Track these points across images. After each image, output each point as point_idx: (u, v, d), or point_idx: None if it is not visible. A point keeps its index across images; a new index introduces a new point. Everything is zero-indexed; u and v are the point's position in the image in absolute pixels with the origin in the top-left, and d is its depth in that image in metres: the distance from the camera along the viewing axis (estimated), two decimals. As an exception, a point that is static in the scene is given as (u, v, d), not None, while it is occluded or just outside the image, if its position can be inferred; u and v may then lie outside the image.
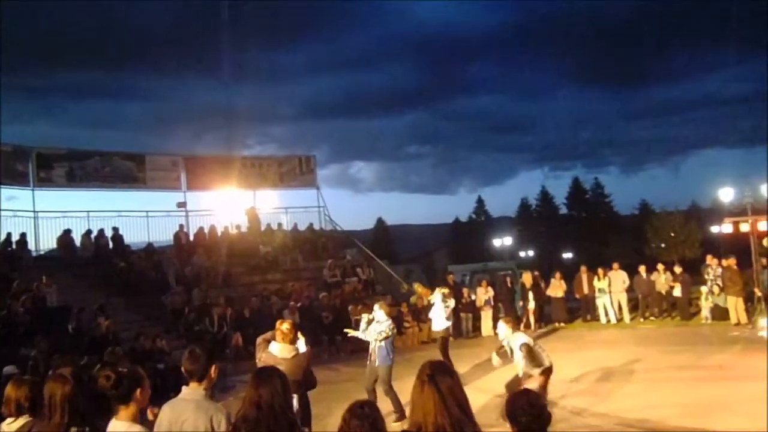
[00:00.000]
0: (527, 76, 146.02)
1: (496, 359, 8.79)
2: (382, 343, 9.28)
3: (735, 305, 16.02)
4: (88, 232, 19.58)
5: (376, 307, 9.82)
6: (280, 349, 6.59)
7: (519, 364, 8.26)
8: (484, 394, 9.52)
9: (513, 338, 8.51)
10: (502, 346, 8.72)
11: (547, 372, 8.14)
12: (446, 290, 13.09)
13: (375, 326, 9.46)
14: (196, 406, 3.76)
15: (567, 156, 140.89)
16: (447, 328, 12.68)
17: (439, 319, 12.62)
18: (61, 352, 11.94)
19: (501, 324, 8.99)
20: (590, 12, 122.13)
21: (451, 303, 12.93)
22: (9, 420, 3.87)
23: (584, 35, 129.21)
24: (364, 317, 9.97)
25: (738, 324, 15.72)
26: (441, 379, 2.95)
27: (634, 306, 18.75)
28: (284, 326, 6.75)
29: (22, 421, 3.78)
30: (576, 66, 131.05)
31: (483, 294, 18.88)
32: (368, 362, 9.51)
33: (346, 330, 10.56)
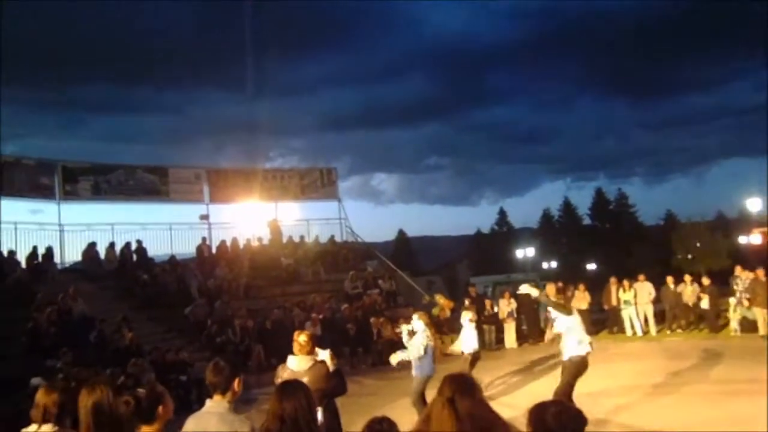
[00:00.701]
0: (548, 86, 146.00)
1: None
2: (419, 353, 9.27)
3: (763, 317, 15.67)
4: (112, 244, 19.79)
5: (414, 317, 9.74)
6: (297, 361, 6.53)
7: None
8: (510, 408, 9.37)
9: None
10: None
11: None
12: (471, 314, 12.90)
13: (416, 339, 9.41)
14: (220, 419, 3.73)
15: (589, 166, 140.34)
16: (477, 350, 12.51)
17: (469, 339, 12.40)
18: (86, 364, 12.07)
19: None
20: (612, 21, 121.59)
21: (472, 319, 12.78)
22: (33, 427, 3.84)
23: (605, 44, 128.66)
24: (404, 329, 9.88)
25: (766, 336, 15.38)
26: (461, 401, 2.83)
27: (660, 318, 18.42)
28: (301, 338, 6.66)
29: (45, 428, 3.73)
30: (597, 75, 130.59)
31: (506, 306, 18.71)
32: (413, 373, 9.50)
33: (391, 358, 10.29)
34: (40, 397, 3.77)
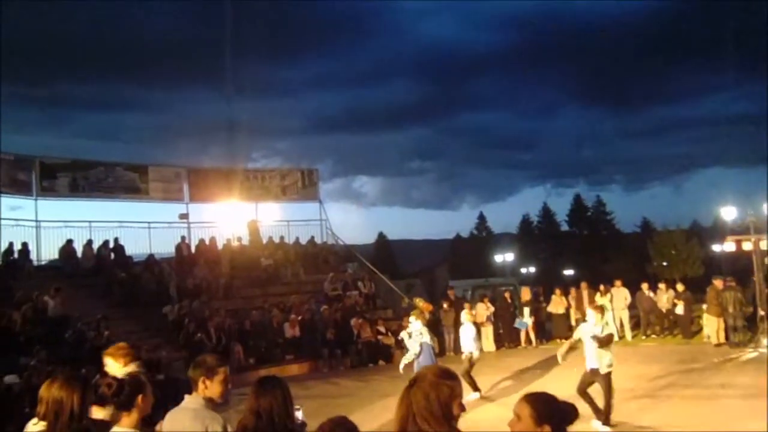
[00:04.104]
0: (531, 93, 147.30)
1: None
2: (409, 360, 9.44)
3: (715, 326, 15.98)
4: (90, 242, 19.60)
5: (411, 318, 9.87)
6: None
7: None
8: (497, 406, 9.52)
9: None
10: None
11: None
12: (470, 314, 12.97)
13: (415, 339, 9.52)
14: (194, 415, 3.72)
15: (569, 173, 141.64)
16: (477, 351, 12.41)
17: (468, 340, 12.38)
18: (61, 362, 11.97)
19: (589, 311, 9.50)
20: (594, 32, 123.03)
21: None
22: (34, 421, 3.84)
23: (587, 54, 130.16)
24: (404, 334, 10.13)
25: (718, 345, 15.67)
26: (419, 387, 2.73)
27: (635, 323, 18.70)
28: None
29: (44, 424, 3.73)
30: (579, 84, 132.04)
31: (484, 310, 18.83)
32: (401, 372, 9.77)
33: (402, 365, 10.41)
34: (44, 391, 3.76)
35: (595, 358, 8.84)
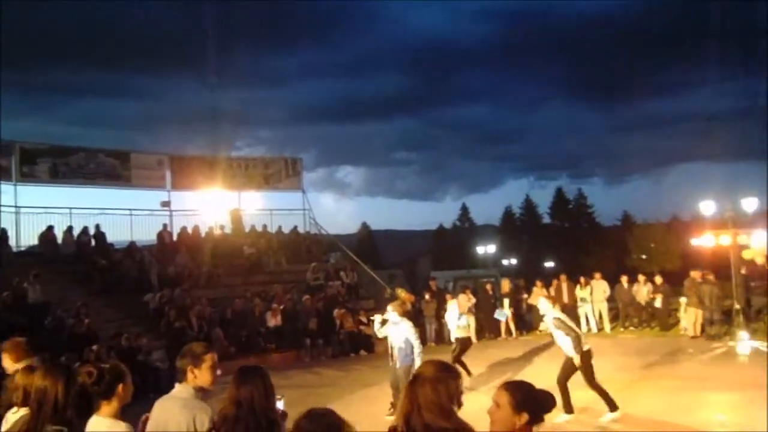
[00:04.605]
0: (516, 86, 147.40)
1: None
2: (403, 344, 9.46)
3: (693, 318, 16.25)
4: (70, 228, 19.41)
5: (389, 308, 9.94)
6: None
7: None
8: (478, 395, 9.59)
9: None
10: None
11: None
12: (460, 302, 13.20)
13: (392, 327, 9.60)
14: (183, 405, 3.73)
15: (552, 166, 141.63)
16: (466, 337, 12.63)
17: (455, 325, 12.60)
18: (40, 349, 11.87)
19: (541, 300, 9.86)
20: (578, 26, 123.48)
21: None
22: (14, 409, 3.82)
23: (571, 48, 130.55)
24: (377, 318, 10.22)
25: (694, 337, 15.96)
26: (421, 386, 2.86)
27: (614, 316, 18.95)
28: None
29: (24, 411, 3.72)
30: (564, 78, 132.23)
31: (465, 302, 18.93)
32: (390, 362, 9.73)
33: (369, 320, 10.70)
34: (20, 378, 3.75)
35: (565, 345, 8.98)
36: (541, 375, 8.95)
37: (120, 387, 3.59)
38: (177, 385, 3.88)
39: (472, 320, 18.74)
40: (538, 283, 19.73)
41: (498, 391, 2.87)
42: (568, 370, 8.89)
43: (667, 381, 11.17)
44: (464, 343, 12.35)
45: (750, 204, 17.28)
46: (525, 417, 2.82)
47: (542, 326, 11.32)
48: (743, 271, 16.37)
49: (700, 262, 18.98)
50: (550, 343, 13.84)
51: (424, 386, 2.85)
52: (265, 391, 3.57)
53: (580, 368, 8.81)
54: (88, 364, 3.81)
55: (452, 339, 12.75)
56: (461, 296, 19.25)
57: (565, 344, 8.99)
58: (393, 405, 9.07)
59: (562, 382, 8.78)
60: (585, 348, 8.92)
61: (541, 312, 9.83)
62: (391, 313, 9.73)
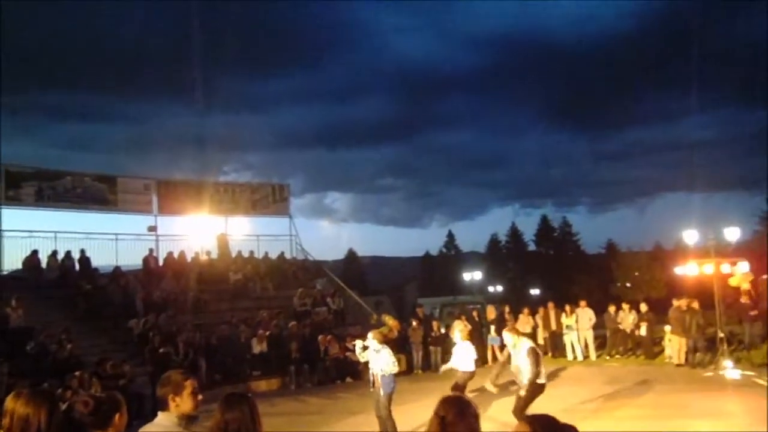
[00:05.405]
0: (502, 114, 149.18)
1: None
2: (386, 371, 9.53)
3: (677, 346, 16.34)
4: (55, 252, 19.27)
5: (369, 335, 9.97)
6: None
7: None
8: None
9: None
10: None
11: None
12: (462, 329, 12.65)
13: (373, 354, 9.61)
14: None
15: (538, 194, 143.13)
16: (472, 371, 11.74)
17: (464, 356, 11.74)
18: (22, 375, 11.73)
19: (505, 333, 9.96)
20: (565, 55, 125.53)
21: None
22: None
23: (557, 77, 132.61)
24: (358, 343, 10.34)
25: (679, 365, 16.04)
26: (453, 424, 2.95)
27: (600, 344, 19.01)
28: None
29: None
30: (550, 107, 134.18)
31: (465, 328, 18.79)
32: (372, 389, 9.77)
33: (352, 345, 10.71)
34: (9, 402, 3.72)
35: (524, 371, 9.07)
36: (541, 404, 8.93)
37: (117, 417, 3.58)
38: (160, 414, 3.88)
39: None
40: (525, 310, 19.76)
41: (520, 424, 2.90)
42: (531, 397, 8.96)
43: (647, 410, 11.20)
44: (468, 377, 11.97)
45: (732, 233, 17.53)
46: None
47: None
48: (743, 300, 16.60)
49: (684, 290, 19.11)
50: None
51: (455, 420, 2.94)
52: (252, 418, 3.58)
53: (524, 396, 8.88)
54: (83, 393, 3.79)
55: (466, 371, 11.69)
56: (457, 322, 19.14)
57: (525, 370, 9.06)
58: None
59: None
60: (540, 381, 9.05)
61: (508, 344, 9.89)
62: (371, 341, 9.76)
